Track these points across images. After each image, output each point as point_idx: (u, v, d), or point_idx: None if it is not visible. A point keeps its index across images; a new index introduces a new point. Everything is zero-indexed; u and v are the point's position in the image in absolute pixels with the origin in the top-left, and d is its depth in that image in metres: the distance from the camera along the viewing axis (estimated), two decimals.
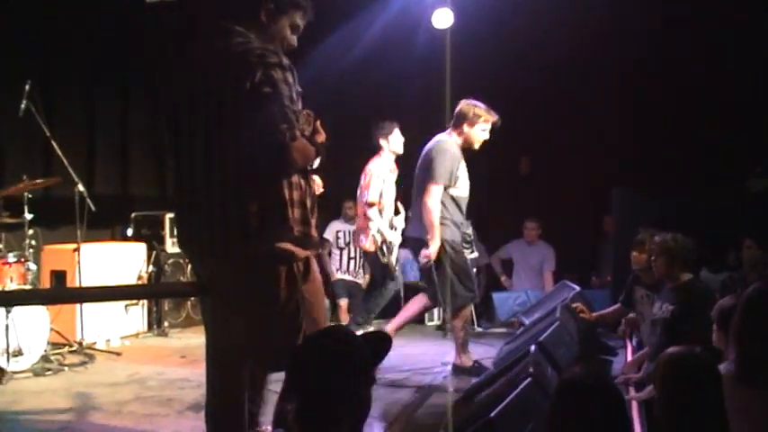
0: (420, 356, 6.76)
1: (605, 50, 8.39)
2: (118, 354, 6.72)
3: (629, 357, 5.57)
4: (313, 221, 3.14)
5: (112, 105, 8.33)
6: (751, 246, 6.57)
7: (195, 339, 7.53)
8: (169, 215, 7.82)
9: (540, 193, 8.96)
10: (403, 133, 6.60)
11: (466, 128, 5.77)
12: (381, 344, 2.44)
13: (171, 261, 7.82)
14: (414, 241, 5.90)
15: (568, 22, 8.24)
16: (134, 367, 6.25)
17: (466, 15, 8.03)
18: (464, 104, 5.83)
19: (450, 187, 5.66)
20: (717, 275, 6.60)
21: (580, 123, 8.48)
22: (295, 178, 3.05)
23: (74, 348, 6.70)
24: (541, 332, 5.02)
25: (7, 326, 5.88)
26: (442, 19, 8.57)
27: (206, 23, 3.27)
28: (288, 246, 3.01)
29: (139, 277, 7.62)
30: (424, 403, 5.20)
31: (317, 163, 3.26)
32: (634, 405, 4.31)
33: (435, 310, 8.60)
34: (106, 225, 8.19)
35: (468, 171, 5.87)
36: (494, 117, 5.79)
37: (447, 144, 5.74)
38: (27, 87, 6.21)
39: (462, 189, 5.77)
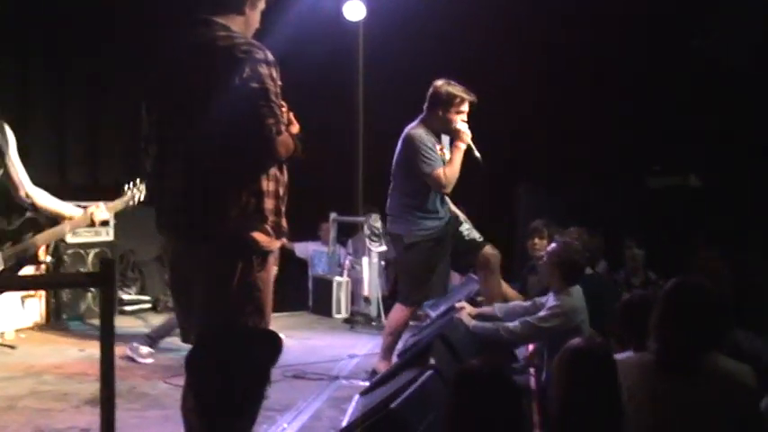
0: (326, 349, 6.77)
1: (511, 45, 8.54)
2: (12, 347, 6.50)
3: (531, 347, 5.67)
4: (283, 210, 3.26)
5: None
6: (631, 246, 6.87)
7: (95, 332, 7.34)
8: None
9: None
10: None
11: (441, 112, 5.32)
12: (274, 344, 2.45)
13: (70, 251, 7.60)
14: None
15: (481, 17, 8.37)
16: (30, 361, 6.05)
17: (378, 7, 8.06)
18: (438, 85, 5.35)
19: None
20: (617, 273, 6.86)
21: (487, 118, 8.62)
22: (272, 170, 3.16)
23: None
24: (445, 324, 5.07)
25: None
26: (354, 11, 8.58)
27: (184, 12, 3.27)
28: (259, 235, 3.12)
29: (37, 268, 7.37)
30: (328, 396, 5.20)
31: None
32: (533, 397, 4.40)
33: (343, 303, 8.62)
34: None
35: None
36: (470, 97, 5.36)
37: (414, 133, 5.33)
38: None
39: None
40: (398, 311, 5.58)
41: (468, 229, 5.57)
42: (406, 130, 5.43)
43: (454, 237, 5.50)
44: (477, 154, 5.38)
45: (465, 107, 5.39)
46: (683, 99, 8.38)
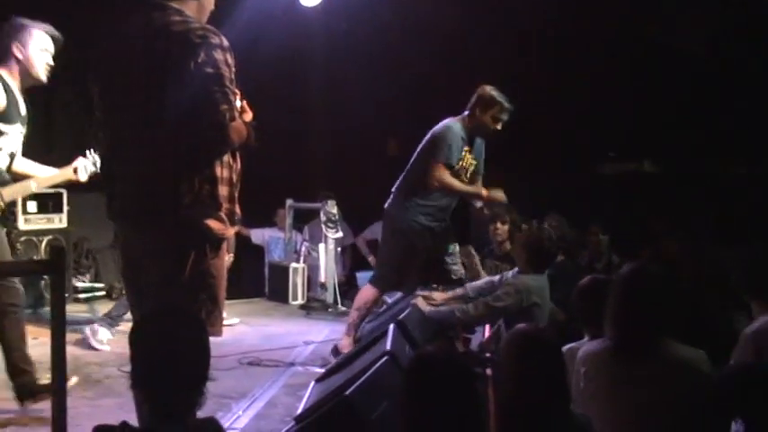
0: (282, 335, 6.76)
1: (472, 32, 8.55)
2: None
3: (487, 334, 5.72)
4: (237, 196, 3.24)
5: None
6: (596, 232, 6.95)
7: (48, 320, 7.23)
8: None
9: None
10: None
11: (478, 112, 5.47)
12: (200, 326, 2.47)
13: (23, 239, 7.46)
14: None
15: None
16: None
17: None
18: (482, 89, 5.51)
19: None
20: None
21: (446, 105, 8.65)
22: (226, 156, 3.14)
23: None
24: (401, 311, 5.09)
25: None
26: None
27: None
28: (213, 222, 3.10)
29: None
30: (284, 383, 5.20)
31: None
32: (489, 383, 4.44)
33: (299, 289, 8.60)
34: None
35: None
36: (510, 107, 5.48)
37: (448, 123, 5.51)
38: None
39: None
40: (368, 290, 5.68)
41: (451, 256, 5.64)
42: (446, 120, 5.51)
43: (438, 249, 5.57)
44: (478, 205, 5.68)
45: (503, 116, 5.48)
46: (637, 85, 8.48)
